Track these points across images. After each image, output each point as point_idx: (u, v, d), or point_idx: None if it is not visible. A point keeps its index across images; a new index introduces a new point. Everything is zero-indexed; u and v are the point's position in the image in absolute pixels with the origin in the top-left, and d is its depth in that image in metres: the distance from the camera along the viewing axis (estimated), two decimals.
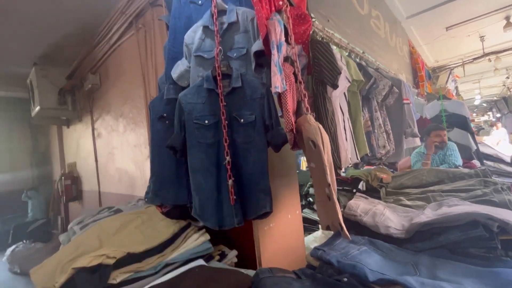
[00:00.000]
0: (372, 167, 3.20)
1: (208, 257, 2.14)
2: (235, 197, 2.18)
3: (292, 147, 2.09)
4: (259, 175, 2.16)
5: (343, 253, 1.79)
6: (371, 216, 2.10)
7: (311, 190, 3.68)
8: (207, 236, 2.20)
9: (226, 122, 2.17)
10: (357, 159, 2.54)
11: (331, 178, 1.92)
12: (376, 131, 2.90)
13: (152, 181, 2.49)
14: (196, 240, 2.16)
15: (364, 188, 2.78)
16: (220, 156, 2.20)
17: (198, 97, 2.20)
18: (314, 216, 3.43)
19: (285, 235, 2.52)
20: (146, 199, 2.64)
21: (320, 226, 3.23)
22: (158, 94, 2.61)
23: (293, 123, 2.02)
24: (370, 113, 2.89)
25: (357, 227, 2.08)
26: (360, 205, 2.24)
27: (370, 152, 2.79)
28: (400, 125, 2.96)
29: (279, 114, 2.19)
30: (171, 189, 2.47)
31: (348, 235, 1.88)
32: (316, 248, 1.93)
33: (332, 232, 2.05)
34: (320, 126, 1.96)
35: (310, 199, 3.64)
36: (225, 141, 2.18)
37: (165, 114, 2.43)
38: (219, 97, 2.17)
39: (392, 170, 3.16)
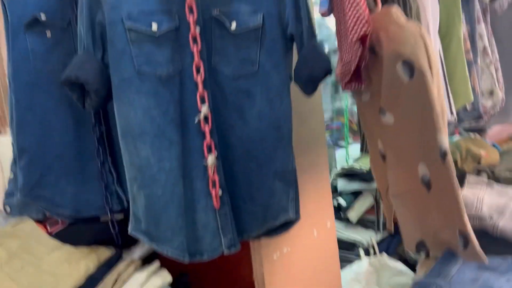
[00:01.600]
0: (457, 136, 2.10)
1: None
2: (220, 193, 0.99)
3: (347, 83, 0.97)
4: (274, 145, 1.02)
5: None
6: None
7: (340, 184, 2.17)
8: (166, 277, 0.97)
9: (198, 28, 0.96)
10: (451, 113, 1.43)
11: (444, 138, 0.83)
12: (478, 60, 1.75)
13: (21, 167, 1.20)
14: (144, 286, 0.93)
15: None
16: (186, 106, 0.98)
17: None
18: (348, 233, 2.08)
19: (309, 269, 1.37)
20: (7, 208, 1.30)
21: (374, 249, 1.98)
22: None
23: (367, 19, 0.88)
24: (470, 24, 1.76)
25: (485, 238, 0.99)
26: (485, 198, 1.16)
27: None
28: None
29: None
30: (67, 184, 1.22)
31: (484, 256, 0.87)
32: (418, 284, 0.85)
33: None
34: (424, 31, 0.86)
35: (340, 200, 2.12)
36: (196, 71, 0.97)
37: (43, 16, 1.15)
38: None
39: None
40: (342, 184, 2.20)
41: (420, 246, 0.93)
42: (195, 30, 0.99)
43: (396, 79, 0.84)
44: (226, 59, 1.02)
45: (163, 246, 0.96)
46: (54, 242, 1.08)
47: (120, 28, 0.96)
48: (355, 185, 2.18)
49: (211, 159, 0.99)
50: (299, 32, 1.00)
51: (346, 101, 2.74)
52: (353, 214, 2.15)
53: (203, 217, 0.99)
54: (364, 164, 2.20)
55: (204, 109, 0.98)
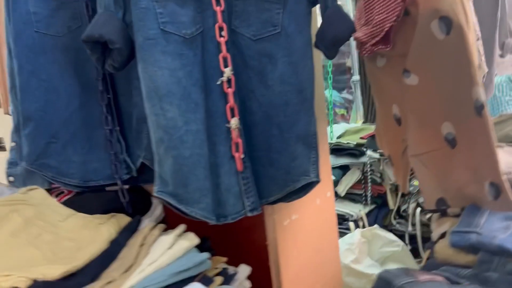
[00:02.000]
0: None
1: (202, 280, 0.93)
2: (243, 156, 0.98)
3: (372, 45, 0.98)
4: (296, 109, 1.01)
5: None
6: None
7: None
8: (193, 239, 0.96)
9: None
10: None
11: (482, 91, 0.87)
12: None
13: (25, 135, 1.15)
14: (171, 248, 0.93)
15: None
16: (208, 68, 0.97)
17: None
18: (337, 207, 2.02)
19: (314, 235, 1.39)
20: (10, 178, 1.27)
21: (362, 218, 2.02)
22: None
23: None
24: None
25: None
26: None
27: None
28: (493, 28, 1.84)
29: None
30: (74, 153, 1.19)
31: None
32: (458, 232, 0.86)
33: None
34: None
35: None
36: (219, 32, 0.96)
37: None
38: None
39: None
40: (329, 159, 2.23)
41: (440, 204, 0.96)
42: None
43: (430, 37, 0.86)
44: (247, 21, 1.00)
45: (191, 208, 0.94)
46: (67, 210, 1.04)
47: None
48: (342, 160, 2.23)
49: (234, 122, 0.98)
50: None
51: (331, 90, 2.83)
52: (341, 188, 2.20)
53: (226, 181, 0.99)
54: (351, 139, 2.25)
55: (227, 71, 0.97)
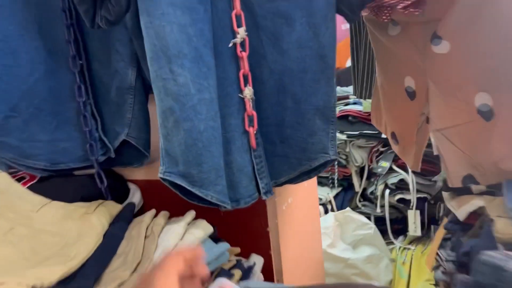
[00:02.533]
0: None
1: (221, 274, 0.79)
2: (256, 129, 0.85)
3: (402, 8, 0.89)
4: (316, 77, 0.89)
5: None
6: None
7: None
8: (207, 228, 0.82)
9: None
10: None
11: None
12: None
13: None
14: (183, 239, 0.80)
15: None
16: (217, 27, 0.83)
17: None
18: None
19: (305, 218, 1.31)
20: None
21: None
22: None
23: None
24: None
25: None
26: None
27: None
28: None
29: None
30: (39, 129, 1.01)
31: None
32: None
33: None
34: None
35: None
36: None
37: None
38: None
39: None
40: None
41: (467, 181, 0.90)
42: None
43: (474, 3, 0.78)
44: None
45: (206, 191, 0.80)
46: (39, 198, 0.85)
47: None
48: None
49: (248, 92, 0.85)
50: None
51: None
52: None
53: (238, 159, 0.85)
54: None
55: (241, 32, 0.83)
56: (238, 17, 0.83)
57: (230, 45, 0.83)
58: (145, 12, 0.75)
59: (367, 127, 2.03)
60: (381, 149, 2.09)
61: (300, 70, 0.88)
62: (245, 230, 1.06)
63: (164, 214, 0.86)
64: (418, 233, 1.89)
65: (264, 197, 0.89)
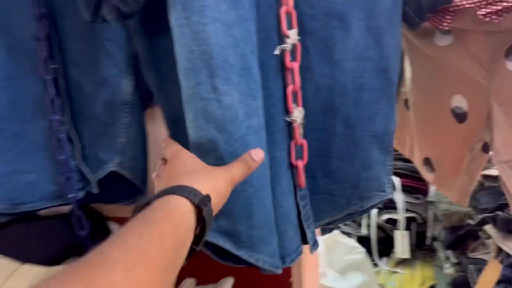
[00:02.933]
0: None
1: None
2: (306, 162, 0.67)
3: (485, 14, 0.74)
4: (376, 96, 0.71)
5: None
6: None
7: None
8: None
9: None
10: None
11: None
12: None
13: None
14: None
15: None
16: (258, 27, 0.60)
17: None
18: None
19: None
20: None
21: None
22: None
23: None
24: None
25: None
26: None
27: None
28: None
29: None
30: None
31: None
32: None
33: None
34: None
35: None
36: None
37: None
38: None
39: None
40: None
41: None
42: None
43: None
44: None
45: (257, 254, 0.57)
46: (5, 262, 0.59)
47: None
48: None
49: (299, 114, 0.65)
50: None
51: None
52: None
53: (284, 204, 0.64)
54: None
55: (293, 35, 0.62)
56: (288, 16, 0.62)
57: (277, 52, 0.62)
58: (179, 3, 0.52)
59: None
60: None
61: (355, 87, 0.69)
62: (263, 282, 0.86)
63: (190, 283, 0.63)
64: (407, 255, 1.77)
65: (312, 251, 0.69)
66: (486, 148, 0.85)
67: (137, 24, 0.65)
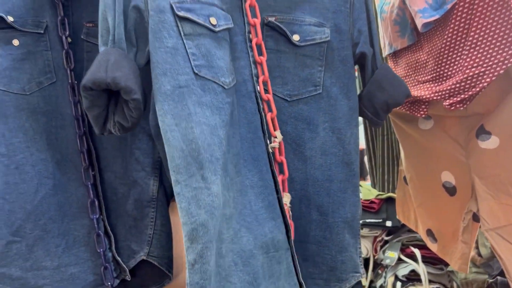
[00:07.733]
0: None
1: None
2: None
3: (451, 103, 0.85)
4: (343, 186, 0.84)
5: None
6: None
7: None
8: None
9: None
10: None
11: None
12: None
13: None
14: None
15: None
16: (244, 130, 0.77)
17: None
18: None
19: None
20: None
21: None
22: None
23: None
24: None
25: None
26: None
27: None
28: None
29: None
30: (45, 255, 0.87)
31: None
32: None
33: None
34: None
35: None
36: (263, 87, 0.80)
37: (9, 18, 0.84)
38: None
39: None
40: None
41: None
42: (261, 35, 0.78)
43: None
44: (282, 78, 0.83)
45: None
46: None
47: (169, 17, 0.69)
48: None
49: (287, 199, 0.76)
50: (371, 52, 0.86)
51: None
52: None
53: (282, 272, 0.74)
54: None
55: (278, 135, 0.77)
56: (272, 120, 0.77)
57: (270, 150, 0.76)
58: (169, 114, 0.66)
59: (370, 215, 1.96)
60: (386, 238, 2.00)
61: (325, 178, 0.82)
62: None
63: None
64: None
65: None
66: (476, 217, 0.93)
67: (158, 132, 0.80)
